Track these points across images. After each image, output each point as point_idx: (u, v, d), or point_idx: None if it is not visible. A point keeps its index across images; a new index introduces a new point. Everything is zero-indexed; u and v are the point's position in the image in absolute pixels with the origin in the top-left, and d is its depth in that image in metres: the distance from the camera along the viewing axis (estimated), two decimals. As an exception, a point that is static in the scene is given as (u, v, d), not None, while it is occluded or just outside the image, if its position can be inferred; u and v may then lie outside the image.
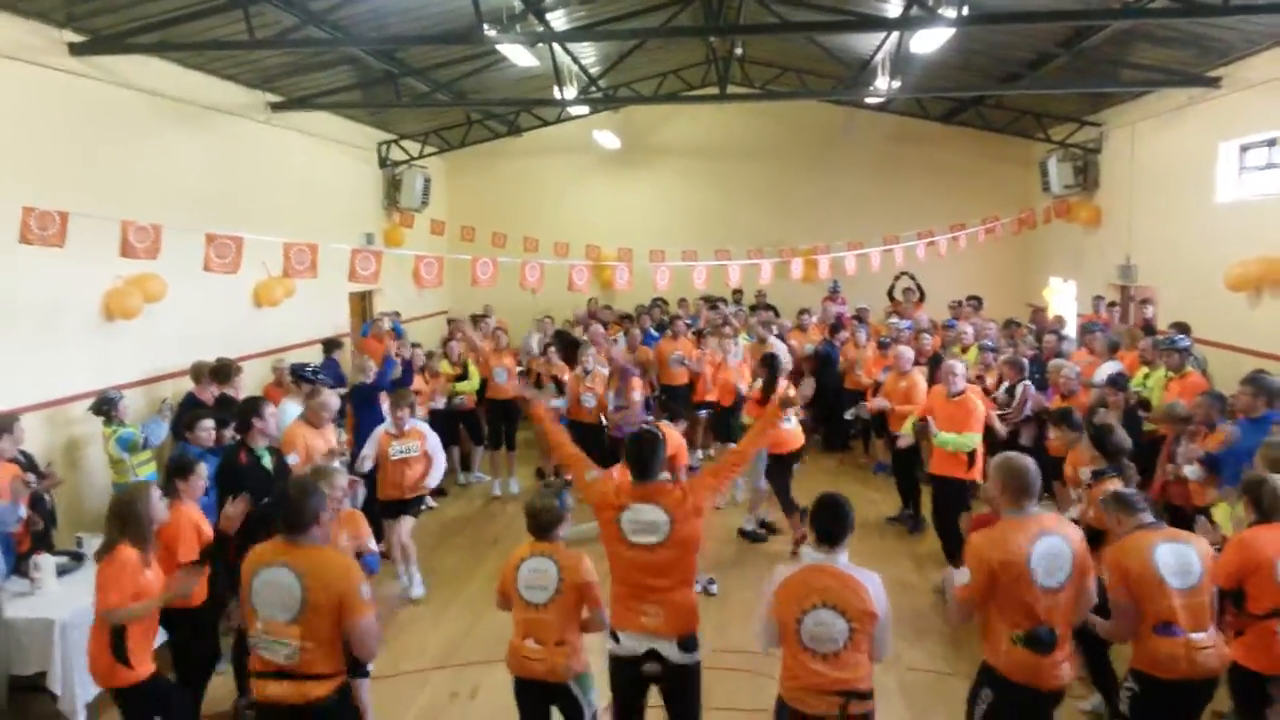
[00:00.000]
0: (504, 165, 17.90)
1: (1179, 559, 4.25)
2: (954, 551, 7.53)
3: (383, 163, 15.37)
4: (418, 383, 9.84)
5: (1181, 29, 9.76)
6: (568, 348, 11.51)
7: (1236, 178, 10.76)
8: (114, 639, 4.40)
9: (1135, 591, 4.23)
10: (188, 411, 7.19)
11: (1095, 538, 5.19)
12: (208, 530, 5.35)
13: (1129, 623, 4.28)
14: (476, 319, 13.20)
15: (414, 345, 10.76)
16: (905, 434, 8.77)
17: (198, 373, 8.49)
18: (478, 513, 10.23)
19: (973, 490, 7.92)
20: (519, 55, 9.76)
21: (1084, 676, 5.60)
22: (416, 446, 7.69)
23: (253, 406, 6.38)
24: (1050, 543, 3.93)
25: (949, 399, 7.90)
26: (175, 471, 5.42)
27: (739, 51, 14.59)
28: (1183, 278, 11.40)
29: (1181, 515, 6.51)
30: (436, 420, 9.98)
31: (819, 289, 15.45)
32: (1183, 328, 9.70)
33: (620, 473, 5.08)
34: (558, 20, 11.58)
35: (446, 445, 10.37)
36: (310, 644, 3.87)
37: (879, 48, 11.76)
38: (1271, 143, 9.95)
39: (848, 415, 10.36)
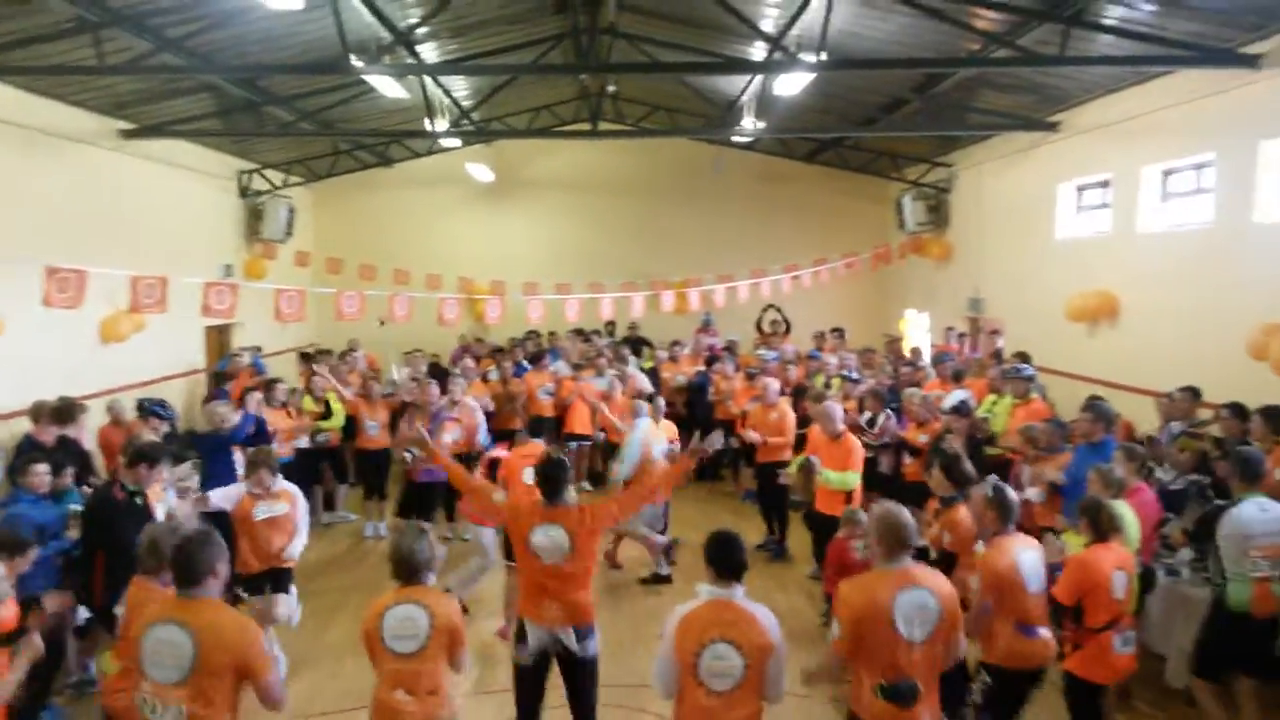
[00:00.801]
0: (374, 196, 17.59)
1: (1034, 565, 4.68)
2: None
3: (244, 192, 14.85)
4: (279, 419, 9.44)
5: (1022, 78, 10.50)
6: (438, 379, 11.33)
7: (1074, 216, 11.58)
8: None
9: (1002, 590, 4.57)
10: (23, 455, 6.74)
11: (945, 561, 5.48)
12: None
13: (986, 621, 4.59)
14: (343, 355, 12.86)
15: (275, 380, 10.36)
16: (789, 473, 8.83)
17: (37, 413, 7.97)
18: (343, 555, 9.87)
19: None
20: (388, 87, 9.65)
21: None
22: (284, 507, 6.64)
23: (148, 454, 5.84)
24: (917, 595, 3.87)
25: (830, 440, 7.94)
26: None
27: (611, 89, 14.85)
28: (1027, 310, 12.15)
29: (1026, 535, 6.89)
30: (299, 459, 9.67)
31: (691, 321, 15.73)
32: (1024, 357, 10.34)
33: (527, 494, 5.83)
34: (428, 53, 11.52)
35: (310, 484, 10.09)
36: (198, 708, 3.59)
37: (744, 90, 12.17)
38: (1104, 184, 10.76)
39: (716, 445, 10.51)
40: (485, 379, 11.94)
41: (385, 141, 15.89)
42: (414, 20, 9.96)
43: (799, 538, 9.39)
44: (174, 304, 7.94)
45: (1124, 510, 5.59)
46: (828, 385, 10.91)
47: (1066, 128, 11.20)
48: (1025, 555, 4.68)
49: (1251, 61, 7.78)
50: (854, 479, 7.79)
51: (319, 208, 17.66)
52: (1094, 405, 7.42)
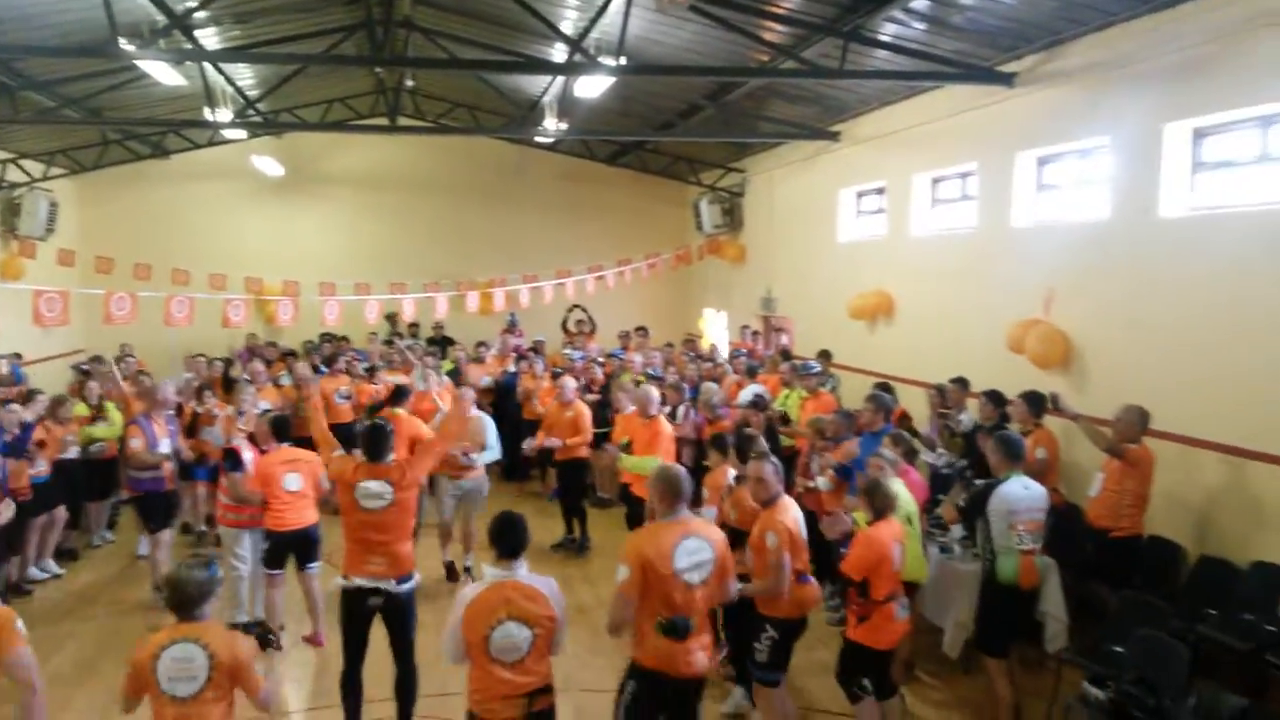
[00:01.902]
0: (149, 190, 16.34)
1: (802, 521, 5.30)
2: None
3: (-4, 184, 13.44)
4: (39, 433, 8.55)
5: (807, 89, 11.12)
6: (226, 387, 10.71)
7: (854, 220, 12.38)
8: None
9: (793, 544, 5.04)
10: None
11: (737, 538, 5.77)
12: None
13: (786, 575, 5.02)
14: (116, 361, 11.84)
15: (35, 392, 9.42)
16: (612, 451, 8.79)
17: None
18: (117, 577, 9.05)
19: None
20: (163, 73, 9.00)
21: (725, 675, 6.16)
22: None
23: None
24: (694, 543, 4.34)
25: (643, 423, 8.22)
26: None
27: (410, 84, 14.50)
28: (814, 308, 12.88)
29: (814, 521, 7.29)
30: (66, 471, 8.81)
31: (497, 321, 15.61)
32: (826, 354, 10.94)
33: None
34: (209, 39, 10.82)
35: (78, 499, 9.24)
36: None
37: (546, 90, 12.21)
38: (880, 190, 11.56)
39: (525, 446, 10.49)
40: (277, 384, 11.38)
41: (161, 131, 14.79)
42: (192, 3, 9.32)
43: (603, 532, 9.53)
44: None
45: (899, 488, 6.05)
46: (637, 384, 11.11)
47: (847, 137, 11.96)
48: (796, 511, 5.27)
49: (1007, 79, 8.60)
50: (652, 463, 7.80)
51: (86, 202, 16.17)
52: (874, 396, 7.95)
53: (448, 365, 12.87)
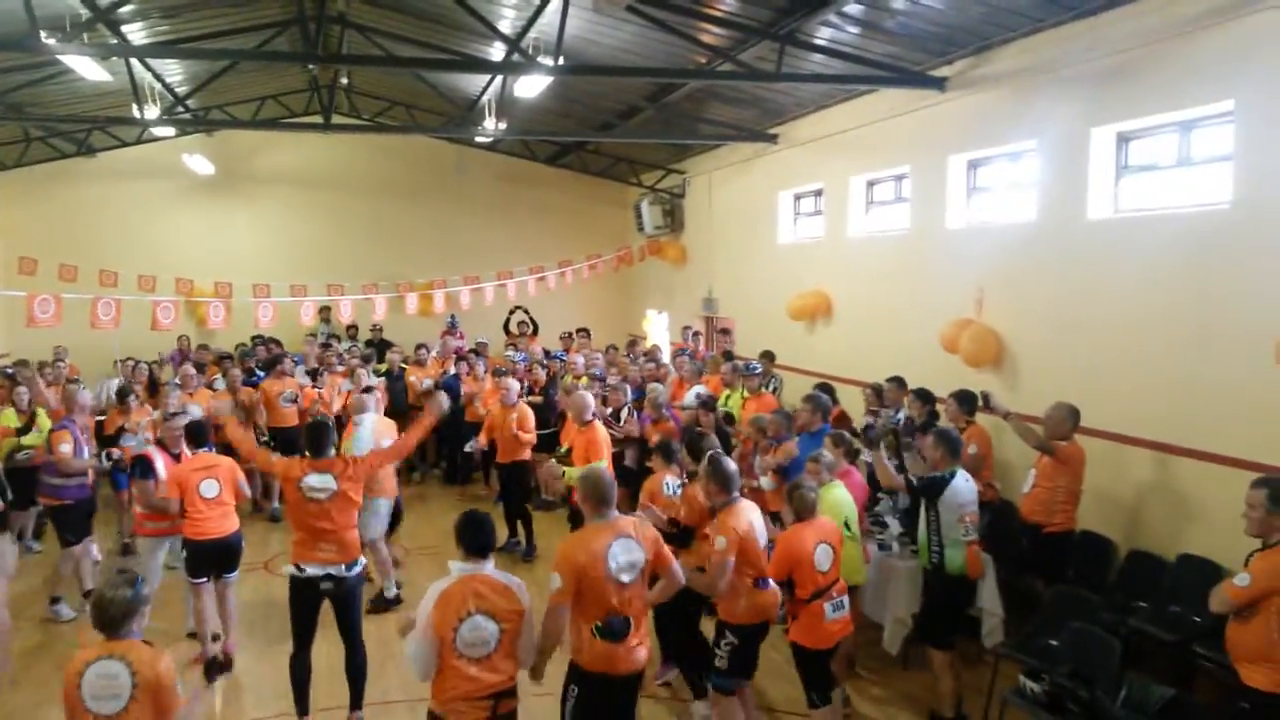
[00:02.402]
0: (74, 189, 15.81)
1: (760, 525, 5.21)
2: None
3: (-92, 181, 12.90)
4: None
5: (745, 91, 11.18)
6: (152, 390, 10.43)
7: (793, 222, 12.49)
8: None
9: (744, 550, 5.00)
10: None
11: (687, 535, 5.82)
12: None
13: (726, 578, 4.99)
14: (43, 366, 11.43)
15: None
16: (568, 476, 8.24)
17: None
18: (43, 589, 8.71)
19: None
20: (87, 68, 8.72)
21: (677, 682, 6.18)
22: None
23: None
24: (625, 544, 4.34)
25: (579, 429, 8.06)
26: None
27: (345, 81, 14.26)
28: (755, 309, 12.97)
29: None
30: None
31: (437, 324, 15.43)
32: (769, 355, 11.01)
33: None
34: (135, 34, 10.51)
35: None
36: None
37: (485, 89, 12.11)
38: (818, 192, 11.68)
39: (468, 448, 10.40)
40: (212, 387, 11.10)
41: (86, 129, 14.32)
42: (117, -3, 9.05)
43: (546, 537, 9.48)
44: None
45: (837, 490, 6.10)
46: (568, 391, 11.06)
47: (785, 140, 12.07)
48: (754, 515, 5.21)
49: (939, 84, 8.75)
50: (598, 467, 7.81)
51: (7, 201, 15.60)
52: (812, 396, 7.97)
53: (383, 368, 12.66)
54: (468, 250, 16.97)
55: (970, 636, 6.50)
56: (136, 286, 13.89)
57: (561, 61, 8.77)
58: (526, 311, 15.28)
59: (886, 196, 10.42)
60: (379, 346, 14.33)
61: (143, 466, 6.97)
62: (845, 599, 5.35)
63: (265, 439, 10.42)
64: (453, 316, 15.24)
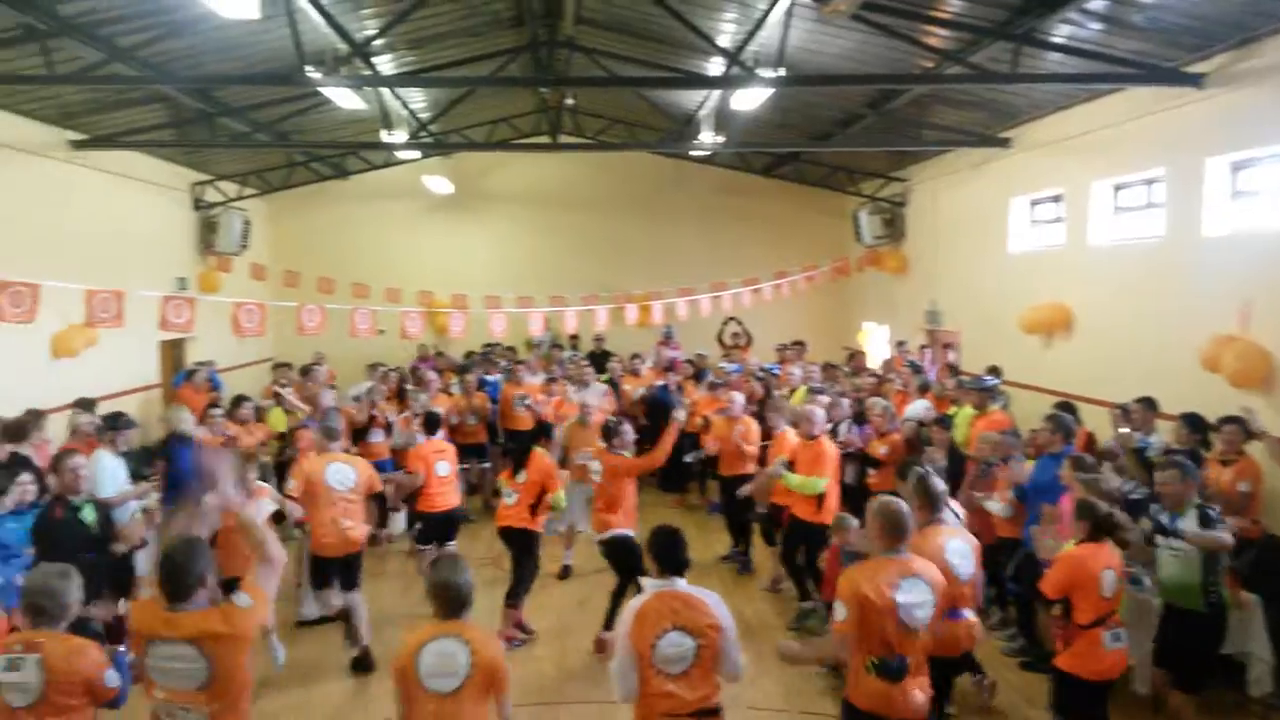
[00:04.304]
0: (330, 209, 17.41)
1: (963, 553, 5.00)
2: (807, 591, 7.78)
3: (197, 204, 14.62)
4: (235, 433, 9.19)
5: (975, 94, 10.68)
6: (399, 395, 11.25)
7: (1027, 230, 11.79)
8: None
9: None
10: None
11: None
12: None
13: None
14: (306, 369, 12.60)
15: (242, 397, 10.11)
16: (773, 471, 8.22)
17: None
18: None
19: (823, 532, 7.40)
20: (344, 98, 9.56)
21: None
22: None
23: (55, 461, 6.17)
24: (913, 584, 4.18)
25: (805, 442, 7.85)
26: None
27: (570, 102, 14.85)
28: (982, 322, 12.33)
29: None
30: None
31: (653, 334, 15.73)
32: (995, 370, 10.46)
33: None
34: (385, 65, 11.44)
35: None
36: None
37: (703, 104, 12.24)
38: (1056, 199, 10.97)
39: (687, 458, 10.47)
40: (447, 392, 11.82)
41: (341, 153, 15.76)
42: (371, 32, 9.89)
43: (761, 550, 9.41)
44: (128, 317, 7.76)
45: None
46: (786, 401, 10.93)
47: (1019, 143, 11.42)
48: (953, 543, 4.94)
49: (1195, 80, 8.00)
50: (819, 483, 7.54)
51: (274, 220, 17.43)
52: (1054, 416, 7.41)
53: (604, 378, 13.00)
54: (683, 262, 17.23)
55: (1233, 685, 5.88)
56: (384, 298, 15.05)
57: (782, 73, 8.72)
58: (740, 323, 15.29)
59: (1135, 201, 9.63)
60: (599, 357, 14.72)
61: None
62: (1123, 631, 4.96)
63: (501, 441, 10.99)
64: (669, 327, 15.48)
